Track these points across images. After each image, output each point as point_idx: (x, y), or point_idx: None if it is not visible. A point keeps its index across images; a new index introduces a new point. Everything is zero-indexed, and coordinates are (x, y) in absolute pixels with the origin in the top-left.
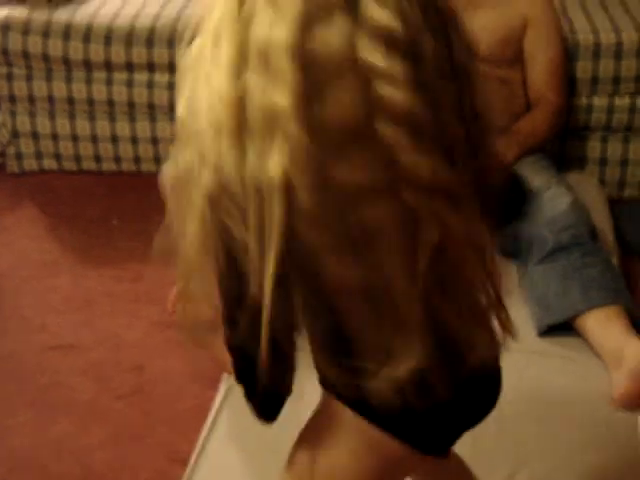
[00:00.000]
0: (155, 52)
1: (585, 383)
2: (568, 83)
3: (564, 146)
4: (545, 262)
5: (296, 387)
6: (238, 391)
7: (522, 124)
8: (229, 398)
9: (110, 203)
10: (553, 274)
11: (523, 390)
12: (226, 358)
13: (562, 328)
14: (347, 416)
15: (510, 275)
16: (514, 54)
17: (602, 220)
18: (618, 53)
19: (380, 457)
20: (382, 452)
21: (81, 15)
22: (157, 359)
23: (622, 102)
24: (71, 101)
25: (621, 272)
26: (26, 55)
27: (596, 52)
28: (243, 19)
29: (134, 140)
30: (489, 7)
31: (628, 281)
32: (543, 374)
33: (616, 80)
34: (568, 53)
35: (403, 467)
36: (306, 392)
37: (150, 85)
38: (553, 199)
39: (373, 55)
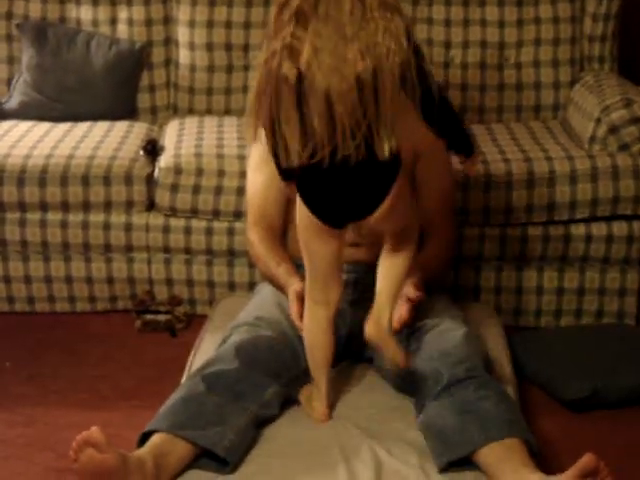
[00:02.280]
0: (48, 191)
1: None
2: (460, 213)
3: (459, 276)
4: (441, 397)
5: None
6: None
7: (426, 256)
8: None
9: (2, 345)
10: (449, 409)
11: None
12: None
13: (463, 463)
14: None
15: (408, 412)
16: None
17: (498, 349)
18: (509, 184)
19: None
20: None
21: None
22: None
23: (514, 232)
24: None
25: (518, 402)
26: None
27: (487, 183)
28: None
29: (27, 279)
30: None
31: (526, 410)
32: None
33: (507, 210)
34: (458, 184)
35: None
36: None
37: (43, 224)
38: (445, 333)
39: None
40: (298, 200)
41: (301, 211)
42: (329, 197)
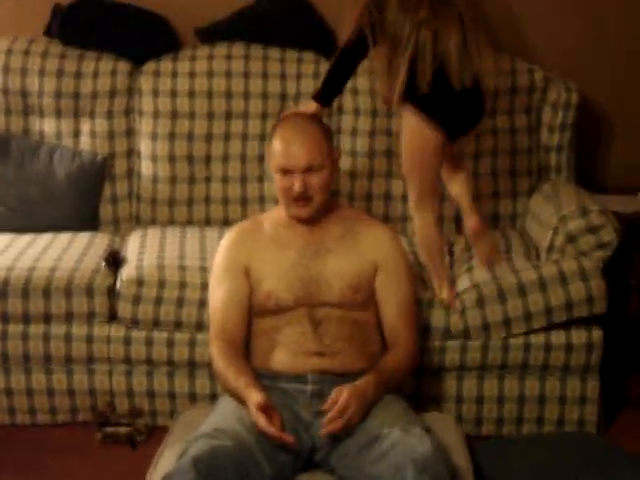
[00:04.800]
0: (9, 303)
1: None
2: (422, 329)
3: (420, 385)
4: None
5: None
6: None
7: (384, 362)
8: None
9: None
10: None
11: None
12: None
13: None
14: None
15: None
16: (366, 298)
17: (461, 459)
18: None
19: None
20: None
21: None
22: None
23: (474, 344)
24: None
25: None
26: None
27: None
28: None
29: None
30: (340, 252)
31: None
32: None
33: (465, 327)
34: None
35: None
36: None
37: (4, 336)
38: (413, 441)
39: None
40: (413, 130)
41: (418, 137)
42: (451, 111)
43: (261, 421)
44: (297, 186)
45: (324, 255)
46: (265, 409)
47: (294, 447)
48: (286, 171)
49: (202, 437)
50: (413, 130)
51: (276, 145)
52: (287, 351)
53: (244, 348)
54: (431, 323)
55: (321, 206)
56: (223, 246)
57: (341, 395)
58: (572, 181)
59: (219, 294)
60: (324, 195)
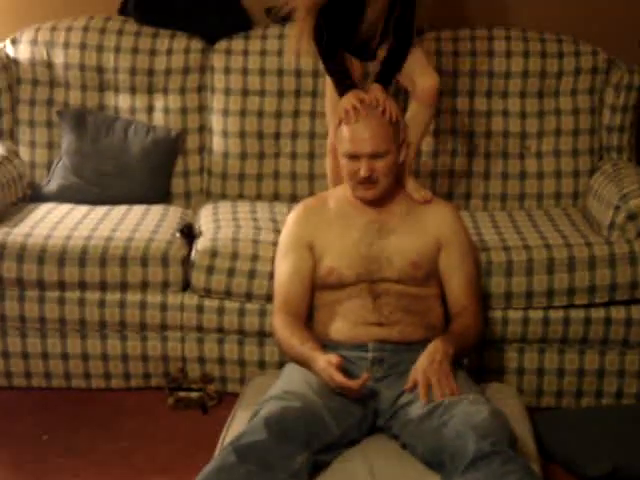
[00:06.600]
0: (87, 271)
1: None
2: (482, 297)
3: (482, 358)
4: (468, 472)
5: None
6: None
7: (451, 329)
8: None
9: (39, 418)
10: None
11: None
12: None
13: None
14: None
15: None
16: (426, 274)
17: (522, 428)
18: (529, 269)
19: None
20: None
21: (14, 235)
22: None
23: (535, 315)
24: (3, 318)
25: (542, 478)
26: None
27: (508, 268)
28: None
29: (64, 356)
30: (402, 231)
31: None
32: None
33: (529, 294)
34: (481, 269)
35: None
36: None
37: (81, 303)
38: (473, 409)
39: None
40: None
41: None
42: None
43: (337, 375)
44: (363, 171)
45: (387, 233)
46: (338, 366)
47: (370, 382)
48: (353, 156)
49: (272, 399)
50: None
51: (344, 131)
52: (347, 322)
53: (306, 320)
54: (492, 291)
55: (386, 188)
56: (289, 222)
57: (417, 375)
58: (633, 161)
59: (284, 268)
60: (389, 178)
